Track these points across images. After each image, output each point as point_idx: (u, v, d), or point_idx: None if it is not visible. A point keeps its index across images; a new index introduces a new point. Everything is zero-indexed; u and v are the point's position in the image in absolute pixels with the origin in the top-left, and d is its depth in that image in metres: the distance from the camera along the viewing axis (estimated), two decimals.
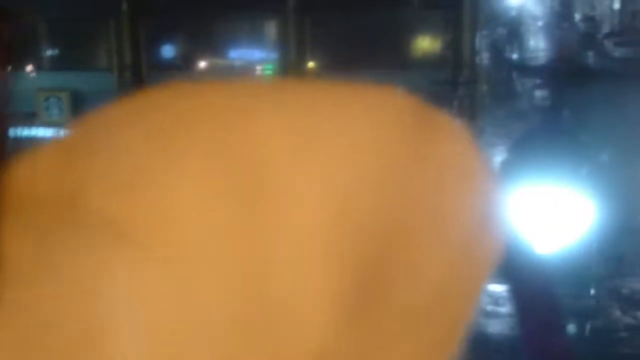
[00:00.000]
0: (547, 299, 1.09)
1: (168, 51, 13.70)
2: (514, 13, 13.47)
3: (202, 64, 14.14)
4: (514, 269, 0.92)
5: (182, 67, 13.62)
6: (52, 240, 0.67)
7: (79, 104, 12.14)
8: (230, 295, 0.69)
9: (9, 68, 0.80)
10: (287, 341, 0.74)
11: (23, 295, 0.67)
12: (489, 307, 7.10)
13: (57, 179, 0.71)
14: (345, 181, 0.79)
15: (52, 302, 0.66)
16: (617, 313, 8.96)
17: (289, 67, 12.85)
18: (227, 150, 0.70)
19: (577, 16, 14.89)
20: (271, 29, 13.86)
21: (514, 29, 14.45)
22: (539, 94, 11.83)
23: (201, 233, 0.68)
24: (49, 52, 13.56)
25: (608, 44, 15.73)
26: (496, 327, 7.44)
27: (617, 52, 15.30)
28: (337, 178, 0.77)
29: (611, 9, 15.14)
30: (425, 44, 12.95)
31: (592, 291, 9.00)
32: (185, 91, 0.77)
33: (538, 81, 12.50)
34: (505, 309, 7.03)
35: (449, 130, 0.96)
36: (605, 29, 15.18)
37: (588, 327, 8.39)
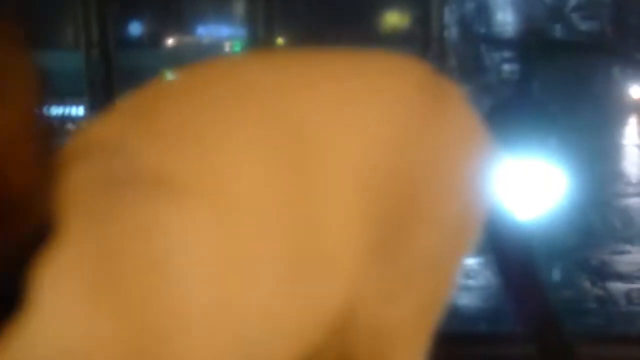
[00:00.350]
0: (529, 264, 1.11)
1: (135, 29, 13.57)
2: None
3: (170, 41, 14.05)
4: (500, 233, 0.94)
5: (150, 44, 13.53)
6: (117, 190, 0.83)
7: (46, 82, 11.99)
8: (278, 237, 0.83)
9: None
10: (324, 280, 0.89)
11: (93, 231, 0.77)
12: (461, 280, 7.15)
13: (122, 137, 0.84)
14: (376, 139, 0.91)
15: (120, 237, 0.81)
16: (587, 284, 9.05)
17: (258, 44, 12.68)
18: (276, 116, 0.84)
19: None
20: (239, 5, 13.76)
21: (482, 3, 14.46)
22: (507, 67, 11.91)
23: (250, 185, 0.82)
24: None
25: (575, 17, 15.81)
26: (466, 300, 7.50)
27: (584, 25, 15.40)
28: (368, 137, 0.91)
29: None
30: (394, 19, 12.94)
31: (561, 262, 9.08)
32: (234, 66, 0.94)
33: (506, 55, 12.56)
34: (476, 281, 7.09)
35: (457, 98, 1.11)
36: (572, 2, 15.25)
37: (557, 297, 8.48)
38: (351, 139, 0.98)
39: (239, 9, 13.71)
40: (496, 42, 11.97)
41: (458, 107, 1.15)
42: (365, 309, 1.02)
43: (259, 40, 13.99)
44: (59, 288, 0.80)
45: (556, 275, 8.86)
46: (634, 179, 11.72)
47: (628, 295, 8.83)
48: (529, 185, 2.12)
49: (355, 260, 0.98)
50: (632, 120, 12.56)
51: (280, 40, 12.82)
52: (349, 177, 0.96)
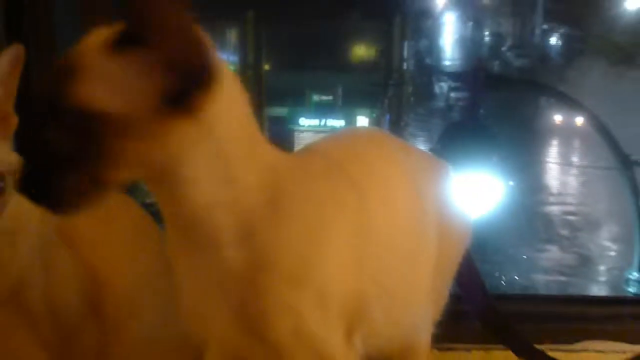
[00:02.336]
0: (471, 262, 1.15)
1: None
2: (435, 28, 13.54)
3: None
4: None
5: None
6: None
7: None
8: (407, 239, 1.08)
9: None
10: (426, 259, 1.10)
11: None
12: None
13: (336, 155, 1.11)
14: (432, 196, 0.99)
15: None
16: (515, 276, 9.10)
17: (247, 69, 12.79)
18: (407, 174, 1.15)
19: (486, 32, 15.10)
20: (232, 35, 13.71)
21: (435, 41, 14.57)
22: (453, 95, 11.98)
23: (401, 201, 1.10)
24: None
25: (510, 55, 16.05)
26: None
27: (517, 62, 15.63)
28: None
29: (513, 27, 15.36)
30: (362, 51, 12.96)
31: (496, 256, 9.14)
32: (374, 139, 1.08)
33: (453, 84, 12.65)
34: None
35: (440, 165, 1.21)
36: (508, 42, 15.43)
37: (491, 285, 8.52)
38: (429, 196, 1.22)
39: (232, 38, 13.68)
40: (445, 73, 12.06)
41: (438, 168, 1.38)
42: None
43: (248, 65, 13.97)
44: None
45: (492, 268, 8.91)
46: (554, 191, 11.85)
47: (548, 285, 8.93)
48: (473, 194, 2.12)
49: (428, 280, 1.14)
50: (554, 142, 12.68)
51: (266, 66, 12.83)
52: (432, 224, 1.19)
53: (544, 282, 9.46)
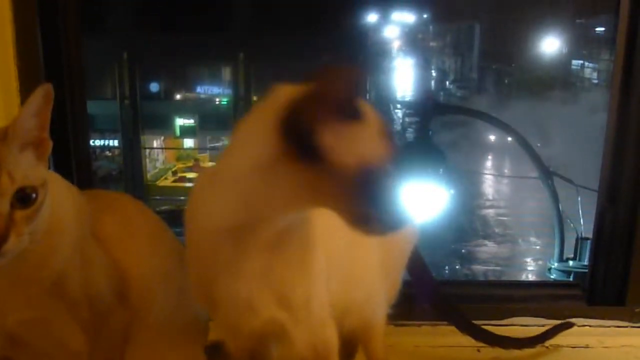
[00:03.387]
0: (420, 255, 1.12)
1: (154, 87, 13.40)
2: (391, 65, 13.67)
3: (178, 96, 13.95)
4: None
5: (165, 97, 13.43)
6: None
7: (91, 124, 11.79)
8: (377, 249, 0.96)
9: None
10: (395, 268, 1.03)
11: None
12: None
13: None
14: None
15: None
16: (458, 266, 9.15)
17: (239, 100, 12.81)
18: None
19: (433, 68, 15.30)
20: (227, 72, 13.69)
21: (391, 76, 14.71)
22: (407, 119, 12.13)
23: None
24: None
25: (453, 87, 16.23)
26: None
27: (459, 93, 15.80)
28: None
29: (455, 64, 15.54)
30: None
31: (442, 251, 9.20)
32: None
33: (407, 111, 12.81)
34: None
35: None
36: (451, 77, 15.59)
37: (438, 274, 8.58)
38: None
39: (227, 74, 13.69)
40: (401, 102, 12.17)
41: None
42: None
43: (240, 97, 13.86)
44: None
45: (438, 259, 8.96)
46: (490, 197, 11.91)
47: (485, 273, 8.99)
48: (422, 199, 2.12)
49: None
50: (489, 157, 12.77)
51: (255, 97, 12.83)
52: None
53: (482, 271, 9.55)
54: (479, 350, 1.24)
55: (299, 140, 0.72)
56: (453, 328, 1.20)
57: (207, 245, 0.80)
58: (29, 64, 1.27)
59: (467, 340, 1.22)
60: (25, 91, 1.22)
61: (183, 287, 0.95)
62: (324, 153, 0.71)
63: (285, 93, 0.77)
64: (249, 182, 0.74)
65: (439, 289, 1.21)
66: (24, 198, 0.72)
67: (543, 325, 1.28)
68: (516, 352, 1.22)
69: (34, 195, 0.73)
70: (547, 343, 1.24)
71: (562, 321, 1.26)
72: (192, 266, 0.84)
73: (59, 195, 0.79)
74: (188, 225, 0.82)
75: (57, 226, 0.78)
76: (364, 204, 0.73)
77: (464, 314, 1.20)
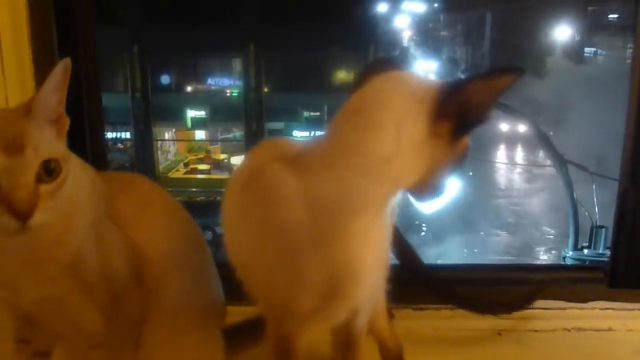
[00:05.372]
0: (403, 238, 1.08)
1: (166, 79, 13.41)
2: (402, 55, 13.58)
3: (189, 88, 13.94)
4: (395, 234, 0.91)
5: (176, 90, 13.44)
6: None
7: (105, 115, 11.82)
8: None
9: None
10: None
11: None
12: None
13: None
14: None
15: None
16: (470, 256, 9.12)
17: (250, 91, 12.80)
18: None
19: (444, 57, 15.18)
20: (237, 64, 13.68)
21: (402, 65, 14.51)
22: None
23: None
24: None
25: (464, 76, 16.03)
26: None
27: None
28: None
29: (466, 53, 15.43)
30: (343, 75, 12.96)
31: (455, 240, 9.18)
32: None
33: None
34: None
35: None
36: (462, 66, 15.49)
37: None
38: None
39: (237, 66, 13.66)
40: None
41: None
42: None
43: (251, 89, 13.86)
44: None
45: (451, 249, 8.94)
46: (502, 186, 11.86)
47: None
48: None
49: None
50: (502, 146, 12.70)
51: (265, 89, 12.82)
52: None
53: (496, 261, 9.48)
54: (499, 334, 1.22)
55: (461, 122, 0.77)
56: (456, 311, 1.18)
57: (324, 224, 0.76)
58: (45, 56, 1.26)
59: (487, 323, 1.21)
60: (40, 81, 1.22)
61: (199, 269, 0.95)
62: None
63: (414, 80, 0.80)
64: (399, 160, 0.76)
65: (426, 270, 1.19)
66: (49, 172, 0.71)
67: (564, 309, 1.27)
68: (539, 336, 1.21)
69: (58, 169, 0.72)
70: (570, 326, 1.23)
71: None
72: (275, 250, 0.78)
73: (76, 174, 0.77)
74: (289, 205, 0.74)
75: (74, 204, 0.77)
76: (444, 179, 0.80)
77: (453, 290, 1.18)
